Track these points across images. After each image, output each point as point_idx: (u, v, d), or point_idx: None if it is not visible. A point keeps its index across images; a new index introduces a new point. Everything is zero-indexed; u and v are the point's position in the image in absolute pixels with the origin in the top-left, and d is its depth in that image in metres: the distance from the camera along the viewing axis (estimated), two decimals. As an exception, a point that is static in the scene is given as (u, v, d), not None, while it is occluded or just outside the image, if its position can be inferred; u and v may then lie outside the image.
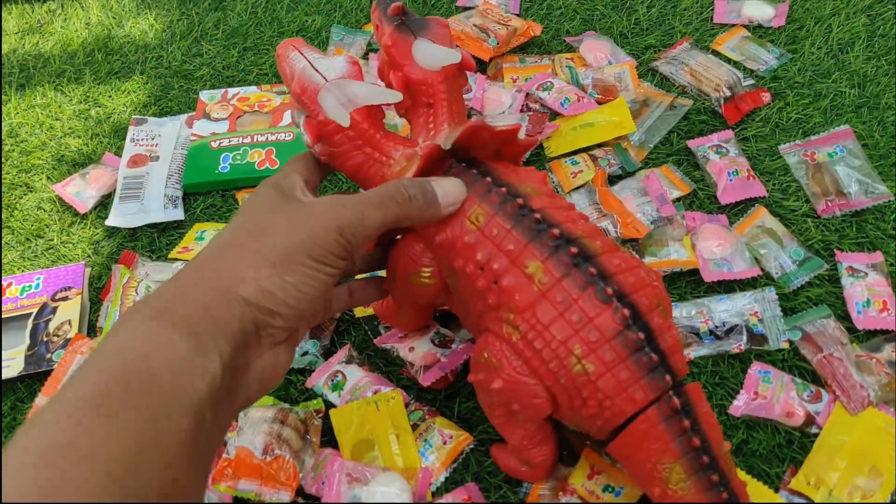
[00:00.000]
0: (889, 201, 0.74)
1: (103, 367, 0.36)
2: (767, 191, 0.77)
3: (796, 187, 0.77)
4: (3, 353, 0.71)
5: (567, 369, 0.45)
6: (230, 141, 0.87)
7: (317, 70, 0.50)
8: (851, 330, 0.66)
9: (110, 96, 0.97)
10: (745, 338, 0.66)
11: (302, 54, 0.51)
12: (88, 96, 0.97)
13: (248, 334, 0.41)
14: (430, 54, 0.53)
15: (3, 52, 1.05)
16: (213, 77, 0.97)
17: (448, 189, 0.48)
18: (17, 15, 1.10)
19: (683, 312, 0.68)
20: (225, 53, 1.00)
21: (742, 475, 0.58)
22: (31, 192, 0.88)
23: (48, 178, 0.89)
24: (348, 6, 1.04)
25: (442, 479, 0.60)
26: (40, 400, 0.68)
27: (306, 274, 0.43)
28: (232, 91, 0.92)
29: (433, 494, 0.60)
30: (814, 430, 0.60)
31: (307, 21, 1.03)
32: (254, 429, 0.61)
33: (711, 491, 0.46)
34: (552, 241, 0.47)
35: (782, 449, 0.60)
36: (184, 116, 0.92)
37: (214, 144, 0.87)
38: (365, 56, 0.97)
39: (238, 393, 0.42)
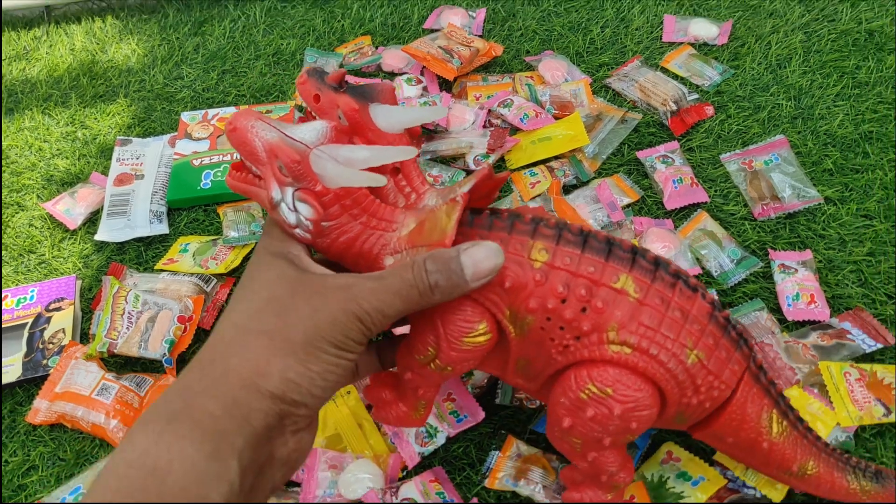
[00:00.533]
0: (819, 204, 0.81)
1: (116, 484, 0.35)
2: (709, 196, 0.83)
3: (735, 193, 0.84)
4: (2, 360, 0.76)
5: (683, 363, 0.47)
6: (211, 159, 0.92)
7: (293, 138, 0.44)
8: (782, 321, 0.73)
9: (96, 119, 1.02)
10: (687, 331, 0.72)
11: (269, 123, 0.45)
12: (75, 119, 1.02)
13: (271, 428, 0.40)
14: (395, 116, 0.49)
15: (-8, 77, 1.10)
16: (194, 99, 1.03)
17: (479, 260, 0.44)
18: (3, 42, 1.15)
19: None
20: (205, 76, 1.06)
21: (686, 456, 0.64)
22: (22, 210, 0.93)
23: (38, 196, 0.94)
24: (321, 30, 1.10)
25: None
26: (38, 403, 0.73)
27: (329, 361, 0.42)
28: (212, 112, 0.98)
29: (402, 478, 0.65)
30: (747, 411, 0.67)
31: (282, 44, 1.09)
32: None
33: (797, 425, 0.54)
34: (627, 253, 0.47)
35: (719, 429, 0.66)
36: (167, 136, 0.97)
37: (196, 162, 0.92)
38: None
39: (260, 488, 0.41)
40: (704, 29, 1.02)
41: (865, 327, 0.71)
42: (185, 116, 0.98)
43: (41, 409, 0.73)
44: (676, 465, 0.64)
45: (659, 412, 0.49)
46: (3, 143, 1.00)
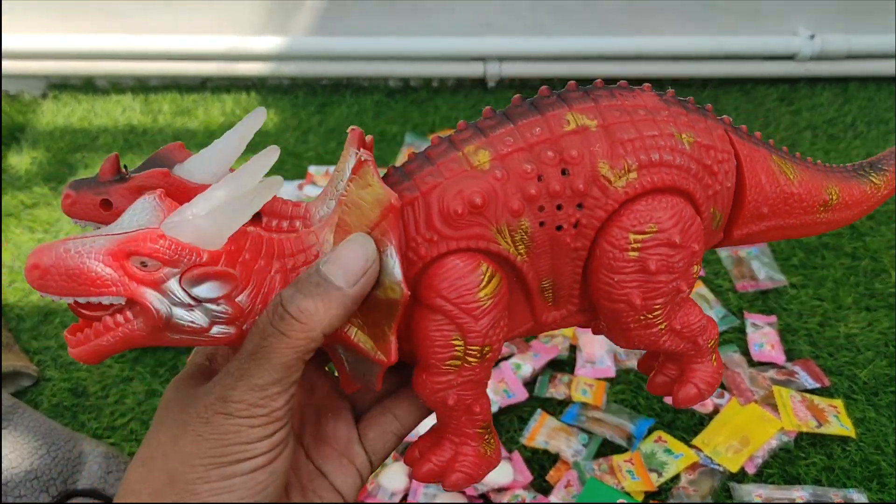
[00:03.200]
0: (785, 286, 1.09)
1: None
2: (705, 272, 1.11)
3: (724, 272, 1.12)
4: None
5: (684, 151, 0.40)
6: (331, 202, 1.22)
7: (129, 231, 0.32)
8: (750, 361, 0.99)
9: (240, 163, 1.33)
10: (679, 360, 0.99)
11: (83, 237, 0.32)
12: (224, 162, 1.33)
13: None
14: (212, 159, 0.39)
15: (159, 125, 1.42)
16: (317, 158, 1.34)
17: (345, 258, 0.34)
18: (170, 100, 1.48)
19: (640, 340, 1.01)
20: (325, 144, 1.37)
21: (671, 439, 0.89)
22: (182, 222, 1.22)
23: (195, 213, 1.23)
24: (417, 120, 1.42)
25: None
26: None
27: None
28: (332, 168, 1.29)
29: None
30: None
31: (386, 128, 1.41)
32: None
33: (797, 158, 0.47)
34: (551, 97, 0.40)
35: (696, 426, 0.92)
36: (296, 182, 1.28)
37: (319, 203, 1.22)
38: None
39: None
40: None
41: (810, 371, 0.97)
42: (312, 169, 1.29)
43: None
44: (664, 444, 0.89)
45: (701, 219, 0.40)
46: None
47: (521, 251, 0.38)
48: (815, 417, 0.91)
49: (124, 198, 0.36)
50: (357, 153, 0.36)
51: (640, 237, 0.38)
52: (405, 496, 0.86)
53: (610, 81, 0.41)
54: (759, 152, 0.43)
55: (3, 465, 0.80)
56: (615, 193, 0.37)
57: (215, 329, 0.34)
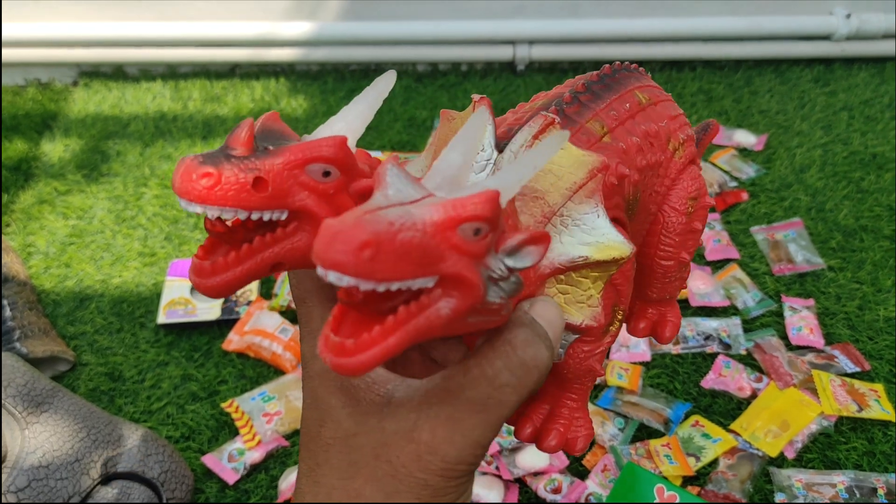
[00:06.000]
0: (823, 269, 1.07)
1: None
2: (740, 255, 1.10)
3: (760, 255, 1.10)
4: (206, 303, 1.04)
5: None
6: (361, 187, 1.22)
7: (427, 191, 0.26)
8: (788, 345, 0.98)
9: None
10: (716, 344, 0.98)
11: (385, 204, 0.25)
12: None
13: None
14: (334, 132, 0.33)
15: (189, 112, 1.43)
16: (346, 144, 1.34)
17: (553, 319, 0.31)
18: (199, 87, 1.49)
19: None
20: (354, 129, 1.37)
21: (709, 424, 0.88)
22: (214, 207, 1.22)
23: (226, 199, 1.23)
24: (446, 104, 1.42)
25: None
26: (232, 335, 1.00)
27: None
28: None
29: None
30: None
31: (415, 113, 1.40)
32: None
33: None
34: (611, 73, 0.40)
35: (734, 410, 0.91)
36: (327, 168, 1.27)
37: (349, 188, 1.22)
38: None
39: None
40: (745, 138, 1.31)
41: (850, 355, 0.96)
42: (342, 155, 1.28)
43: (234, 340, 1.00)
44: (702, 429, 0.88)
45: None
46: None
47: (629, 219, 0.39)
48: (856, 402, 0.89)
49: (280, 177, 0.29)
50: (545, 114, 0.33)
51: (693, 202, 0.41)
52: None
53: (642, 64, 0.41)
54: None
55: (44, 448, 0.81)
56: (676, 164, 0.41)
57: (504, 310, 0.28)
